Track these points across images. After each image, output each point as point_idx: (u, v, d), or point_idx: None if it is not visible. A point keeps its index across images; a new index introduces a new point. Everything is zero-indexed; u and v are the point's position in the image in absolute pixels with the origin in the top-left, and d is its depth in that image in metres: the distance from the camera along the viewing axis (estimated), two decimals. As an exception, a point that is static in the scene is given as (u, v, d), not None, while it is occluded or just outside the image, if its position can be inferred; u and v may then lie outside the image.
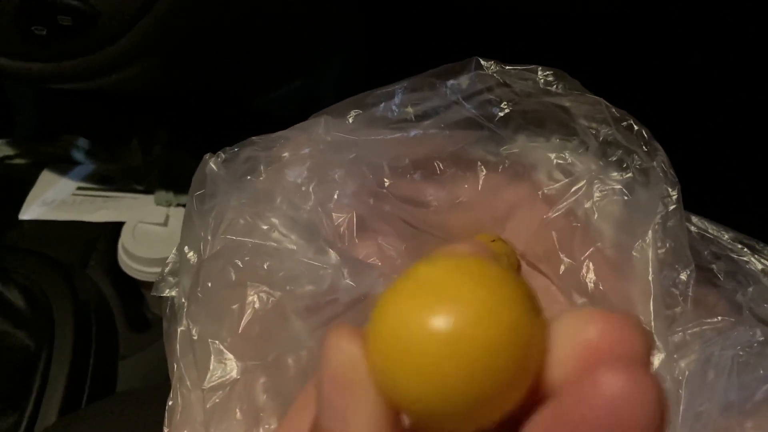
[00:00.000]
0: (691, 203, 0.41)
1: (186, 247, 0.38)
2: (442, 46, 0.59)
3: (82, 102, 0.80)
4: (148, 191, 0.78)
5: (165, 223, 0.74)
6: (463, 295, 0.16)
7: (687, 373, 0.35)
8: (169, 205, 0.76)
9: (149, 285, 0.72)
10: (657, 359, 0.35)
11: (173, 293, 0.40)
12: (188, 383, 0.35)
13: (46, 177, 0.77)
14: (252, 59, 0.70)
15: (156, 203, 0.76)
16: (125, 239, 0.71)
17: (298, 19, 0.65)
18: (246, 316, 0.35)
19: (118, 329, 0.68)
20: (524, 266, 0.47)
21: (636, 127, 0.40)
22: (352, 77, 0.94)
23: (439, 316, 0.16)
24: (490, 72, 0.43)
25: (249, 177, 0.39)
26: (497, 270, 0.18)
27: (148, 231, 0.73)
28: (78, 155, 0.79)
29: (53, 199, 0.75)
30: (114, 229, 0.73)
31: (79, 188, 0.77)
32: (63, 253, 0.70)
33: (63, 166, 0.79)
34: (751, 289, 0.39)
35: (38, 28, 0.48)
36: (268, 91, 0.83)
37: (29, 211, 0.74)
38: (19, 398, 0.58)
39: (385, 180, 0.44)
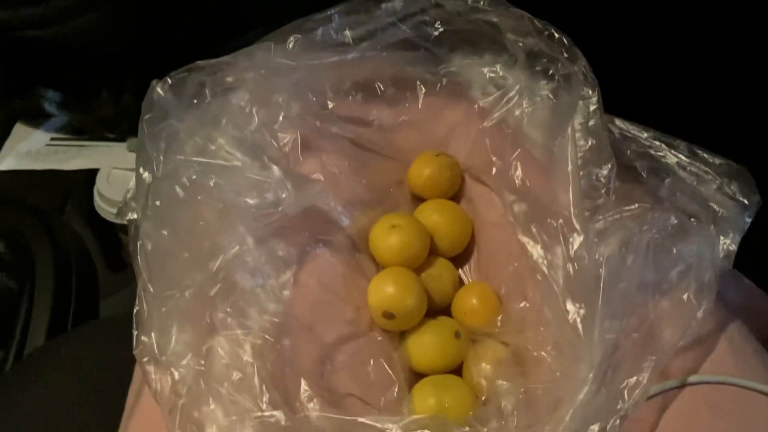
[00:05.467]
0: (614, 107, 0.44)
1: (141, 169, 0.41)
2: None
3: (51, 55, 0.82)
4: (120, 139, 0.80)
5: (138, 168, 0.76)
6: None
7: (606, 255, 0.38)
8: (141, 151, 0.78)
9: (125, 227, 0.75)
10: (577, 242, 0.38)
11: (135, 216, 0.43)
12: (151, 291, 0.38)
13: (20, 129, 0.80)
14: (211, 7, 0.72)
15: (128, 150, 0.78)
16: (100, 185, 0.74)
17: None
18: (195, 228, 0.39)
19: (97, 270, 0.72)
20: (467, 178, 0.50)
21: (557, 35, 0.43)
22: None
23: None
24: (421, -8, 0.45)
25: (195, 101, 0.42)
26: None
27: (122, 176, 0.75)
28: (50, 107, 0.81)
29: (28, 149, 0.78)
30: (89, 176, 0.76)
31: (53, 139, 0.80)
32: (40, 201, 0.73)
33: (36, 118, 0.81)
34: (668, 180, 0.42)
35: (-5, -24, 0.50)
36: (230, 38, 0.85)
37: (5, 162, 0.77)
38: (4, 335, 0.61)
39: (329, 102, 0.47)
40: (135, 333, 0.38)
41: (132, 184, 0.45)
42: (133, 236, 0.42)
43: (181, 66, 0.44)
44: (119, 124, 0.81)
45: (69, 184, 0.77)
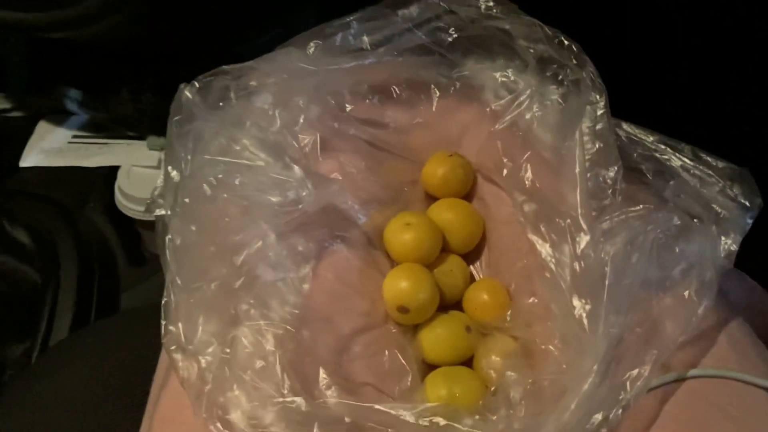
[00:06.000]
0: (621, 111, 0.45)
1: (169, 167, 0.43)
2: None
3: (72, 55, 0.84)
4: (140, 137, 0.82)
5: (158, 166, 0.78)
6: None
7: (612, 253, 0.39)
8: (161, 149, 0.80)
9: (145, 223, 0.77)
10: (583, 241, 0.40)
11: (162, 212, 0.45)
12: (179, 283, 0.40)
13: (42, 127, 0.82)
14: (229, 8, 0.74)
15: (148, 148, 0.80)
16: (121, 181, 0.76)
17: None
18: (221, 224, 0.41)
19: (118, 264, 0.74)
20: (479, 178, 0.51)
21: (567, 42, 0.44)
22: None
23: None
24: (437, 0, 0.47)
25: (221, 103, 0.44)
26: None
27: (143, 173, 0.77)
28: (72, 106, 0.83)
29: (50, 147, 0.80)
30: (110, 173, 0.78)
31: (75, 136, 0.82)
32: (63, 196, 0.76)
33: (58, 116, 0.83)
34: (672, 182, 0.44)
35: (29, -20, 0.52)
36: (247, 38, 0.87)
37: (29, 159, 0.79)
38: (30, 327, 0.63)
39: (347, 105, 0.49)
40: (163, 323, 0.40)
41: (159, 181, 0.47)
42: (161, 231, 0.44)
43: (199, 65, 0.46)
44: (139, 122, 0.83)
45: (90, 181, 0.79)
